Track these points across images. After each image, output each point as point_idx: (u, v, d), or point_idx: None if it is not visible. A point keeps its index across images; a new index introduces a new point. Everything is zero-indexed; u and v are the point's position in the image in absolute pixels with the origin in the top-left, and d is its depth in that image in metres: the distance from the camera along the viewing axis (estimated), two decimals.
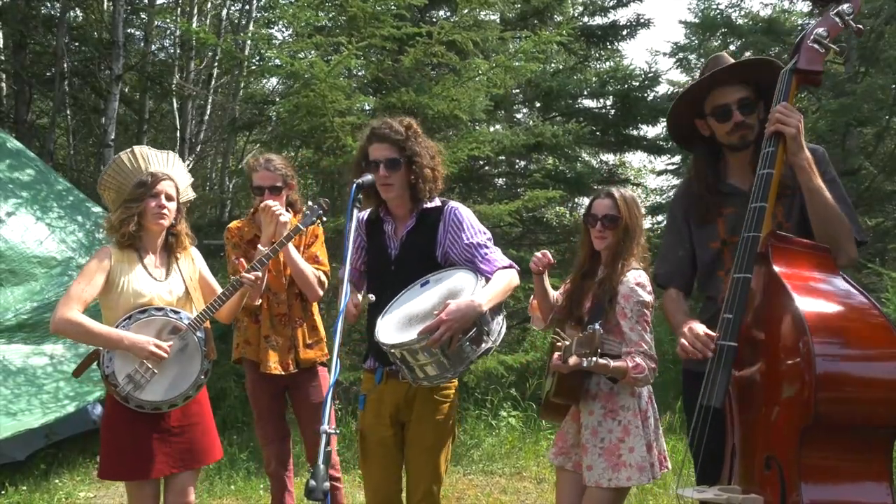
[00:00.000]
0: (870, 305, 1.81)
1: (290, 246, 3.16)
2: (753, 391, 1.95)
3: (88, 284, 2.72)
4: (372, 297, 2.46)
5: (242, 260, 3.08)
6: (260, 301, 3.27)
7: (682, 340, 2.11)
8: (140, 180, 2.78)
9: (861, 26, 2.12)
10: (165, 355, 2.72)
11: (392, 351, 2.36)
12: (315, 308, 3.50)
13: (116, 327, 2.71)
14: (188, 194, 3.03)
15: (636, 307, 2.58)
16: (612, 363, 2.49)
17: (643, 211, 2.73)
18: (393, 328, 2.40)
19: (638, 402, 2.65)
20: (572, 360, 2.45)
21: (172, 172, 2.87)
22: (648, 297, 2.61)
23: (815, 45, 2.05)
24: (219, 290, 3.01)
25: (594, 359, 2.38)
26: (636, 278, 2.62)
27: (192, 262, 2.98)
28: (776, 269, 1.90)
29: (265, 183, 3.27)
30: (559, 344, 2.59)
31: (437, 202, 2.65)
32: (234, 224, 3.49)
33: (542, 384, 3.09)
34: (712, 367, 2.00)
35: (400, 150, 2.56)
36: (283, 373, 3.33)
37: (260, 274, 2.96)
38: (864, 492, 1.75)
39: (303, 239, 3.38)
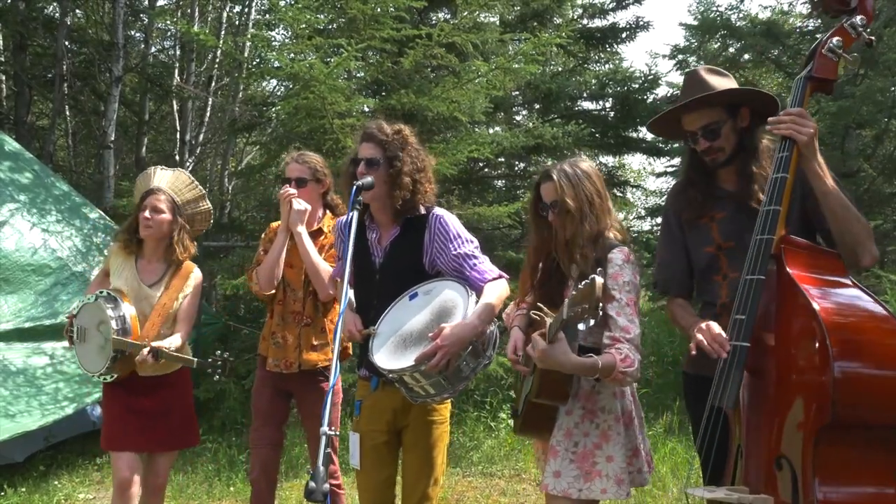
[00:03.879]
0: (881, 309, 1.84)
1: (306, 238, 3.19)
2: (763, 392, 1.96)
3: (99, 272, 3.50)
4: (374, 328, 2.50)
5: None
6: (273, 292, 3.33)
7: (699, 336, 2.09)
8: (143, 194, 3.31)
9: (873, 38, 2.17)
10: None
11: (391, 376, 2.39)
12: (332, 311, 3.43)
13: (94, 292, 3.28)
14: (201, 205, 3.46)
15: (626, 287, 2.22)
16: (601, 360, 2.11)
17: (599, 182, 2.32)
18: (389, 351, 2.42)
19: (621, 403, 2.30)
20: (561, 336, 2.04)
21: (166, 186, 3.33)
22: (637, 278, 2.28)
23: (830, 55, 2.10)
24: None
25: (592, 321, 1.89)
26: (623, 255, 2.26)
27: (188, 284, 3.30)
28: (790, 271, 1.92)
29: (292, 175, 3.36)
30: (540, 321, 2.10)
31: (421, 210, 2.61)
32: (274, 224, 3.53)
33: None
34: (725, 368, 2.00)
35: (381, 151, 2.54)
36: (283, 371, 3.30)
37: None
38: (878, 489, 1.77)
39: (326, 239, 3.36)
